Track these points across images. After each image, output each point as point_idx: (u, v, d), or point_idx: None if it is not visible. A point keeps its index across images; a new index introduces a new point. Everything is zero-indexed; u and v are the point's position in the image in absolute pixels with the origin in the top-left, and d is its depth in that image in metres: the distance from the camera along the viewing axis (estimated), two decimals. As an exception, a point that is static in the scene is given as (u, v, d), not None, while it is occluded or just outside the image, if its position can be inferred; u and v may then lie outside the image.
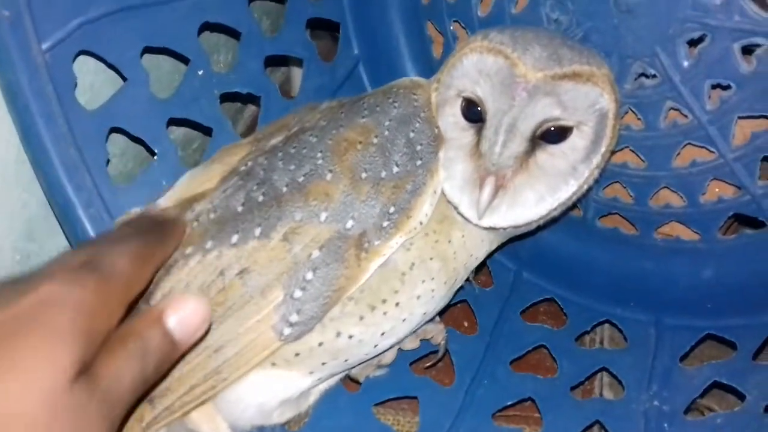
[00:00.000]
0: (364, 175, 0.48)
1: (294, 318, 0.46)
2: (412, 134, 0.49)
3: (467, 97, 0.50)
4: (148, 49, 0.56)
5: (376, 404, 0.57)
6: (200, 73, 0.60)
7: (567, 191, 0.51)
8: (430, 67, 0.70)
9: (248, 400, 0.50)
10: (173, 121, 0.59)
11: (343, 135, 0.49)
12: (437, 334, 0.59)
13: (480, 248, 0.54)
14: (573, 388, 0.57)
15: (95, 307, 0.32)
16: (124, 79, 0.55)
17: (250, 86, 0.63)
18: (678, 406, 0.51)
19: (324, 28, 0.71)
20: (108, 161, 0.55)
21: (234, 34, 0.62)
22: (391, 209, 0.47)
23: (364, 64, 0.72)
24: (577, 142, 0.49)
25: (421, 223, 0.48)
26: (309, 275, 0.46)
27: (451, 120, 0.50)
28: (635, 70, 0.56)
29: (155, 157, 0.58)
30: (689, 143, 0.56)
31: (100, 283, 0.33)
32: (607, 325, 0.64)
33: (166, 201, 0.53)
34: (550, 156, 0.49)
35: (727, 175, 0.55)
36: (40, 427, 0.28)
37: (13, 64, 0.49)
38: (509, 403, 0.56)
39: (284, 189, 0.48)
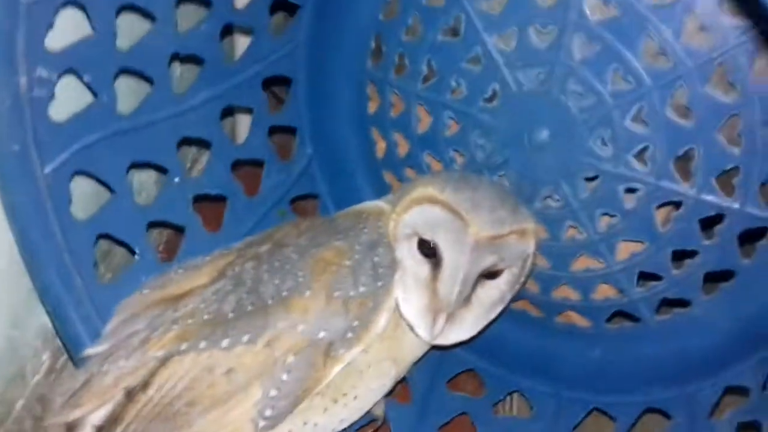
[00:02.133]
0: (336, 294, 0.57)
1: (269, 413, 0.56)
2: (376, 258, 0.59)
3: (424, 238, 0.60)
4: (134, 165, 0.64)
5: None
6: (176, 180, 0.68)
7: (496, 311, 0.64)
8: (374, 164, 0.81)
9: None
10: (152, 224, 0.67)
11: (321, 255, 0.59)
12: (377, 406, 0.70)
13: (423, 349, 0.65)
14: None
15: None
16: (111, 191, 0.63)
17: (219, 188, 0.72)
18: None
19: (280, 131, 0.80)
20: (95, 263, 0.63)
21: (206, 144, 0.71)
22: (355, 323, 0.57)
23: (317, 160, 0.81)
24: (507, 277, 0.62)
25: (376, 335, 0.59)
26: (284, 377, 0.56)
27: (407, 252, 0.61)
28: (543, 193, 0.69)
29: (136, 257, 0.66)
30: (584, 253, 0.70)
31: None
32: (515, 395, 0.77)
33: (155, 294, 0.61)
34: (486, 289, 0.62)
35: (612, 281, 0.69)
36: None
37: (18, 188, 0.57)
38: (437, 466, 0.68)
39: (269, 301, 0.57)
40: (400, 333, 0.62)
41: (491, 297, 0.63)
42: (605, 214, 0.67)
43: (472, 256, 0.58)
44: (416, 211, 0.61)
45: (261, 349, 0.56)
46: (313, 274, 0.58)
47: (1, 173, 0.56)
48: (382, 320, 0.59)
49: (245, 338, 0.56)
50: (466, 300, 0.61)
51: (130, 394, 0.55)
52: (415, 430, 0.71)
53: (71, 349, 0.61)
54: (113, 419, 0.54)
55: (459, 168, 0.73)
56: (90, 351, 0.59)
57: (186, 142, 0.69)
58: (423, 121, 0.75)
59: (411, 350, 0.64)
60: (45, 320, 0.69)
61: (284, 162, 0.79)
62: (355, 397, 0.61)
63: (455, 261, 0.59)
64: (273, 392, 0.56)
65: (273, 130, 0.78)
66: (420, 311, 0.61)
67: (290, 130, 0.80)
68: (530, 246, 0.62)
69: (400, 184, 0.81)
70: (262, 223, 0.75)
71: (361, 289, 0.58)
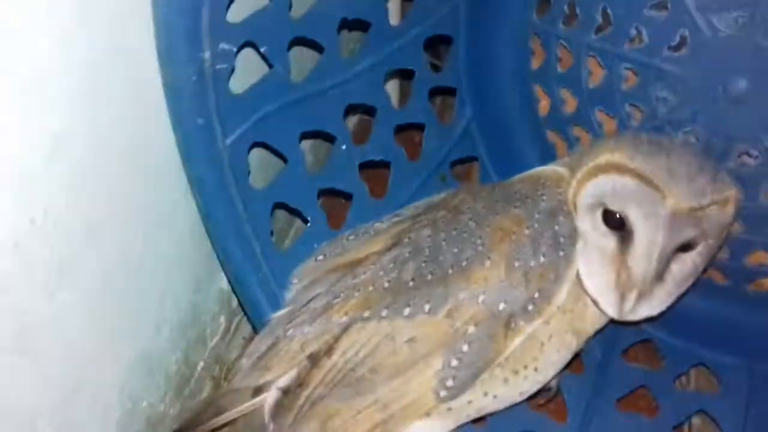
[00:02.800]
0: (516, 264, 0.55)
1: (450, 383, 0.55)
2: (556, 227, 0.56)
3: (610, 209, 0.56)
4: (305, 134, 0.65)
5: (501, 438, 0.66)
6: (344, 147, 0.68)
7: (688, 285, 0.59)
8: (536, 123, 0.77)
9: (404, 441, 0.59)
10: (322, 192, 0.67)
11: (499, 223, 0.57)
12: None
13: (604, 322, 0.62)
14: (674, 428, 0.65)
15: None
16: (284, 161, 0.64)
17: (383, 154, 0.71)
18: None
19: (440, 93, 0.78)
20: (272, 232, 0.64)
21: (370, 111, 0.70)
22: (536, 295, 0.55)
23: (476, 122, 0.79)
24: (702, 249, 0.57)
25: (558, 307, 0.56)
26: (465, 347, 0.55)
27: (590, 224, 0.57)
28: (739, 149, 0.63)
29: (308, 225, 0.66)
30: (787, 216, 0.63)
31: None
32: (694, 369, 0.72)
33: (332, 260, 0.62)
34: (680, 263, 0.57)
35: (820, 247, 0.62)
36: None
37: (202, 161, 0.58)
38: (617, 440, 0.65)
39: (450, 270, 0.56)
40: (581, 306, 0.59)
41: (684, 271, 0.58)
42: (817, 171, 0.60)
43: (670, 230, 0.54)
44: (602, 180, 0.57)
45: (442, 319, 0.55)
46: (492, 243, 0.56)
47: (186, 146, 0.58)
48: (563, 292, 0.56)
49: (426, 308, 0.55)
50: (659, 277, 0.57)
51: (315, 359, 0.56)
52: (590, 402, 0.68)
53: (251, 313, 0.64)
54: (299, 383, 0.55)
55: (636, 125, 0.68)
56: (272, 315, 0.60)
57: (352, 109, 0.68)
58: (594, 75, 0.70)
59: (593, 323, 0.61)
60: (222, 284, 0.72)
61: (444, 124, 0.77)
62: (536, 369, 0.59)
63: (650, 236, 0.54)
64: (454, 362, 0.55)
65: (432, 93, 0.76)
66: (606, 287, 0.57)
67: (450, 92, 0.78)
68: (730, 215, 0.57)
69: (565, 143, 0.76)
70: (424, 188, 0.74)
71: (542, 259, 0.56)
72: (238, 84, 0.59)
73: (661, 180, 0.54)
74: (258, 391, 0.56)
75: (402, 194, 0.72)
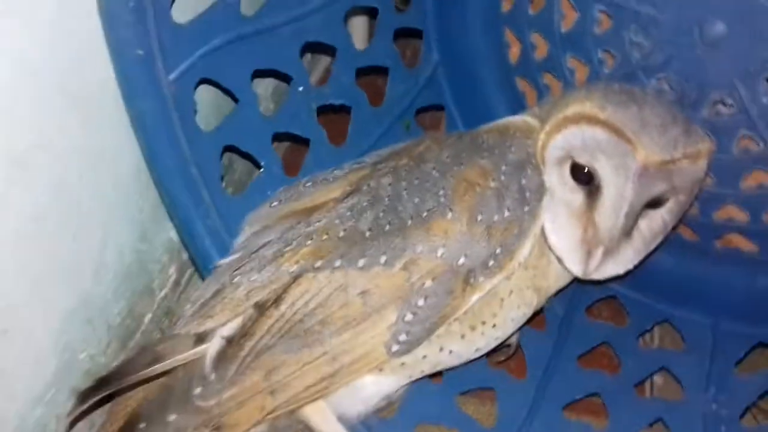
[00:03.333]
0: (479, 217, 0.52)
1: (403, 337, 0.53)
2: (523, 181, 0.54)
3: (579, 162, 0.53)
4: (257, 73, 0.60)
5: (459, 394, 0.64)
6: (300, 89, 0.64)
7: (657, 242, 0.57)
8: (506, 70, 0.74)
9: (357, 397, 0.57)
10: (277, 136, 0.63)
11: (464, 174, 0.54)
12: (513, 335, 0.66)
13: (567, 280, 0.60)
14: (636, 385, 0.64)
15: None
16: (235, 101, 0.60)
17: (343, 98, 0.67)
18: (734, 411, 0.57)
19: (405, 35, 0.74)
20: (222, 176, 0.61)
21: (329, 51, 0.66)
22: (498, 250, 0.53)
23: (444, 67, 0.75)
24: (672, 206, 0.55)
25: (519, 264, 0.54)
26: (420, 302, 0.52)
27: (557, 178, 0.55)
28: (713, 98, 0.60)
29: (261, 170, 0.63)
30: (758, 168, 0.60)
31: None
32: (657, 327, 0.70)
33: (286, 206, 0.58)
34: (648, 220, 0.55)
35: (793, 201, 0.60)
36: None
37: (143, 95, 0.54)
38: (578, 397, 0.63)
39: (409, 221, 0.53)
40: (544, 262, 0.57)
41: (653, 228, 0.56)
42: (791, 121, 0.57)
43: (639, 184, 0.52)
44: (571, 132, 0.54)
45: (398, 272, 0.52)
46: (456, 195, 0.53)
47: (126, 80, 0.53)
48: (526, 248, 0.54)
49: (382, 259, 0.52)
50: (627, 233, 0.55)
51: (262, 309, 0.53)
52: (551, 359, 0.66)
53: (199, 261, 0.60)
54: (244, 333, 0.52)
55: (609, 72, 0.65)
56: (220, 262, 0.57)
57: (309, 48, 0.64)
58: (567, 18, 0.66)
59: (556, 280, 0.59)
60: (172, 235, 0.69)
61: (410, 69, 0.73)
62: (494, 326, 0.56)
63: (619, 190, 0.52)
64: (408, 317, 0.52)
65: (397, 36, 0.72)
66: (572, 244, 0.55)
67: (416, 35, 0.74)
68: (702, 169, 0.54)
69: (534, 92, 0.73)
70: (386, 136, 0.70)
71: (506, 213, 0.53)
72: (182, 14, 0.55)
73: (632, 131, 0.51)
74: (200, 339, 0.53)
75: (363, 142, 0.69)
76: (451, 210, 0.53)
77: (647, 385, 0.67)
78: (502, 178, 0.54)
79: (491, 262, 0.53)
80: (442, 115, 0.78)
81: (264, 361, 0.52)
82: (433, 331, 0.54)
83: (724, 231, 0.66)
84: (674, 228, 0.67)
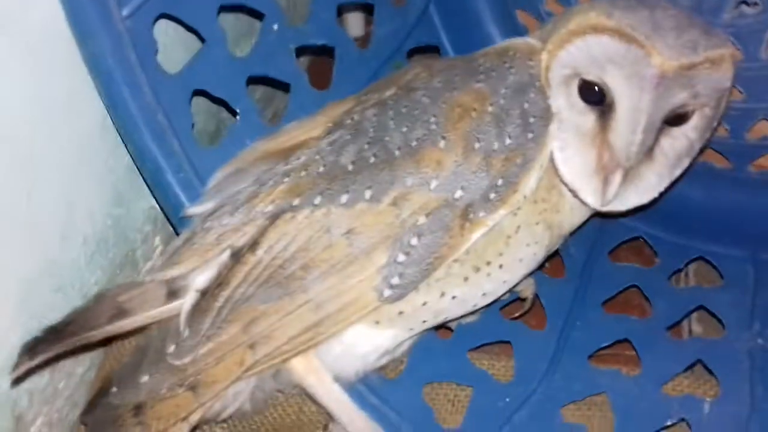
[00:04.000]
0: (476, 145, 0.47)
1: (395, 281, 0.47)
2: (526, 105, 0.48)
3: (588, 80, 0.48)
4: (224, 8, 0.55)
5: (470, 350, 0.58)
6: (275, 27, 0.58)
7: (683, 167, 0.51)
8: (504, 3, 0.68)
9: (353, 352, 0.51)
10: (252, 80, 0.58)
11: (458, 99, 0.48)
12: (526, 287, 0.59)
13: (584, 216, 0.54)
14: (669, 328, 0.57)
15: None
16: (202, 40, 0.55)
17: (325, 37, 0.62)
18: (785, 345, 0.50)
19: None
20: (193, 125, 0.55)
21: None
22: (499, 182, 0.47)
23: (436, 3, 0.69)
24: (697, 122, 0.49)
25: (525, 197, 0.48)
26: (414, 241, 0.46)
27: (565, 101, 0.49)
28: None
29: (237, 117, 0.57)
30: (793, 72, 0.53)
31: None
32: (693, 265, 0.63)
33: (263, 146, 0.53)
34: (671, 139, 0.49)
35: (835, 104, 0.53)
36: None
37: (95, 34, 0.49)
38: (604, 344, 0.56)
39: (396, 152, 0.47)
40: (555, 196, 0.51)
41: (677, 148, 0.50)
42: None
43: (657, 93, 0.46)
44: (576, 46, 0.48)
45: (386, 208, 0.47)
46: (449, 121, 0.47)
47: (76, 18, 0.49)
48: (532, 180, 0.48)
49: (368, 194, 0.47)
50: (648, 153, 0.49)
51: (237, 255, 0.48)
52: (572, 307, 0.60)
53: (173, 220, 0.55)
54: (218, 283, 0.47)
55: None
56: (192, 210, 0.52)
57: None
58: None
59: (569, 217, 0.52)
60: (154, 203, 0.64)
61: (398, 5, 0.67)
62: (501, 266, 0.50)
63: (634, 102, 0.46)
64: (401, 257, 0.46)
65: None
66: (585, 172, 0.49)
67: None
68: (727, 77, 0.48)
69: (537, 23, 0.67)
70: (375, 80, 0.64)
71: (507, 141, 0.47)
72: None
73: (644, 35, 0.45)
74: (173, 294, 0.48)
75: (349, 87, 0.63)
76: (444, 138, 0.47)
77: (684, 327, 0.60)
78: (502, 101, 0.48)
79: (492, 195, 0.47)
80: (437, 57, 0.72)
81: (242, 312, 0.46)
82: (429, 273, 0.48)
83: (759, 152, 0.59)
84: (701, 152, 0.61)
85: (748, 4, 0.53)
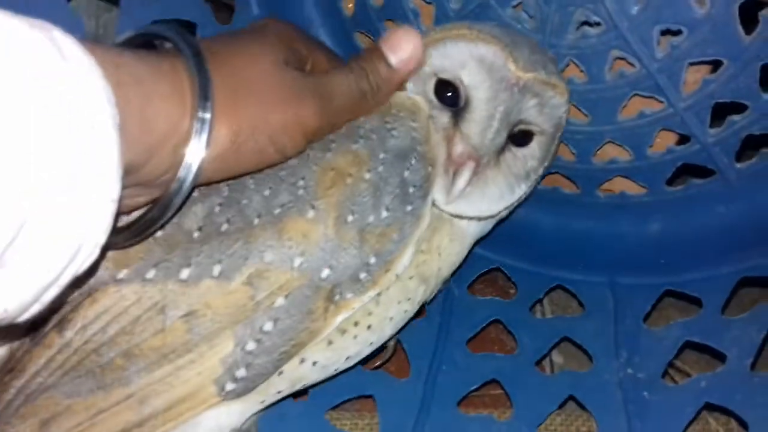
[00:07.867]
0: (350, 218, 0.41)
1: (241, 373, 0.39)
2: (406, 173, 0.43)
3: (444, 78, 0.46)
4: None
5: (330, 409, 0.51)
6: None
7: (519, 194, 0.51)
8: (341, 25, 0.63)
9: (195, 435, 0.42)
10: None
11: (332, 162, 0.42)
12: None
13: (460, 255, 0.51)
14: (537, 363, 0.54)
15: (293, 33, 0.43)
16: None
17: None
18: (653, 372, 0.49)
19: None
20: None
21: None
22: (372, 260, 0.41)
23: None
24: (534, 149, 0.50)
25: (397, 276, 0.43)
26: (268, 326, 0.39)
27: (422, 96, 0.48)
28: (577, 18, 0.52)
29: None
30: (636, 94, 0.53)
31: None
32: (546, 298, 0.61)
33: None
34: (513, 158, 0.49)
35: (677, 125, 0.53)
36: (262, 86, 0.37)
37: None
38: (473, 387, 0.52)
39: (255, 220, 0.40)
40: (437, 239, 0.47)
41: (516, 170, 0.50)
42: (666, 31, 0.50)
43: (512, 93, 0.46)
44: (440, 47, 0.47)
45: (238, 287, 0.39)
46: (320, 188, 0.41)
47: None
48: (406, 257, 0.43)
49: (216, 270, 0.39)
50: (496, 158, 0.48)
51: (37, 334, 0.37)
52: (436, 348, 0.55)
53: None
54: (10, 368, 0.36)
55: (458, 7, 0.55)
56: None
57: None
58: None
59: (448, 258, 0.49)
60: None
61: (224, 27, 0.60)
62: (369, 327, 0.45)
63: (492, 96, 0.46)
64: (250, 346, 0.39)
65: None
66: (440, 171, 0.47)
67: None
68: (563, 107, 0.50)
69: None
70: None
71: (384, 214, 0.42)
72: None
73: (502, 43, 0.46)
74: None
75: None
76: (312, 207, 0.40)
77: (546, 360, 0.57)
78: (380, 168, 0.42)
79: (363, 275, 0.41)
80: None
81: (39, 407, 0.36)
82: (283, 364, 0.41)
83: (605, 176, 0.58)
84: (543, 178, 0.59)
85: (590, 25, 0.52)
